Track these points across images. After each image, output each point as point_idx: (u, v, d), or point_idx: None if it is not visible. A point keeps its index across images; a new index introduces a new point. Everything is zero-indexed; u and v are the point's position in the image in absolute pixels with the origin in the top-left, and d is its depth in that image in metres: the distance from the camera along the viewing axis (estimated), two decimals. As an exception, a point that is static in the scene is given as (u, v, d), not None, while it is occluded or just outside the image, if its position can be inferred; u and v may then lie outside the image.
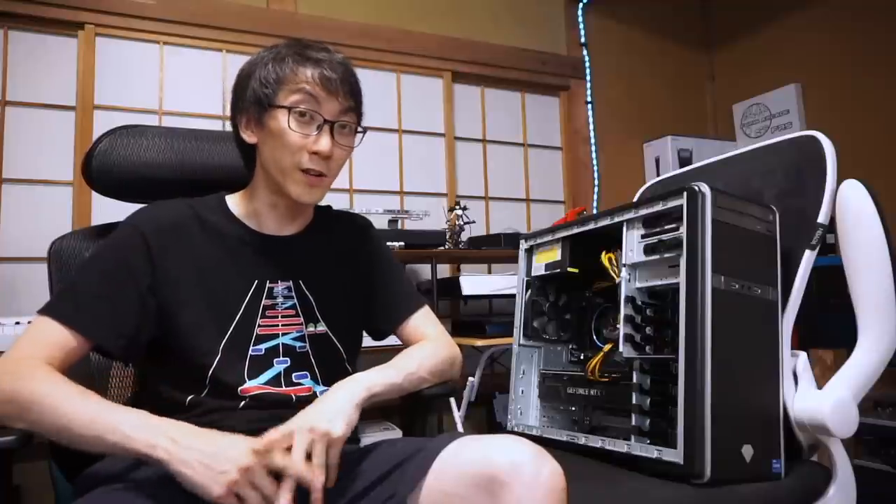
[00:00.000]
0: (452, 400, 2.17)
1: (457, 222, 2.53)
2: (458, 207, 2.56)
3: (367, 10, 2.77)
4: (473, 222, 2.64)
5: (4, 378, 0.80)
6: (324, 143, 0.94)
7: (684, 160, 3.14)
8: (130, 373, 1.13)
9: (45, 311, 0.88)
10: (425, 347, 1.06)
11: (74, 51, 2.30)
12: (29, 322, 1.75)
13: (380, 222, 2.01)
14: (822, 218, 1.05)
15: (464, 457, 0.82)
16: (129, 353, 0.93)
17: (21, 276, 2.13)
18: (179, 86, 2.45)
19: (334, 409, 0.84)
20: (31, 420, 0.78)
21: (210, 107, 2.48)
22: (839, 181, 1.06)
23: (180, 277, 0.94)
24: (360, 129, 1.01)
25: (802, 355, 1.04)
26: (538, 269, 1.26)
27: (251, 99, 0.96)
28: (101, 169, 1.11)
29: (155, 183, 1.14)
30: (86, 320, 0.88)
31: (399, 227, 2.48)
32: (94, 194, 2.14)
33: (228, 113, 2.51)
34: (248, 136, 0.99)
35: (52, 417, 0.77)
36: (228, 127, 2.56)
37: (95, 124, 2.28)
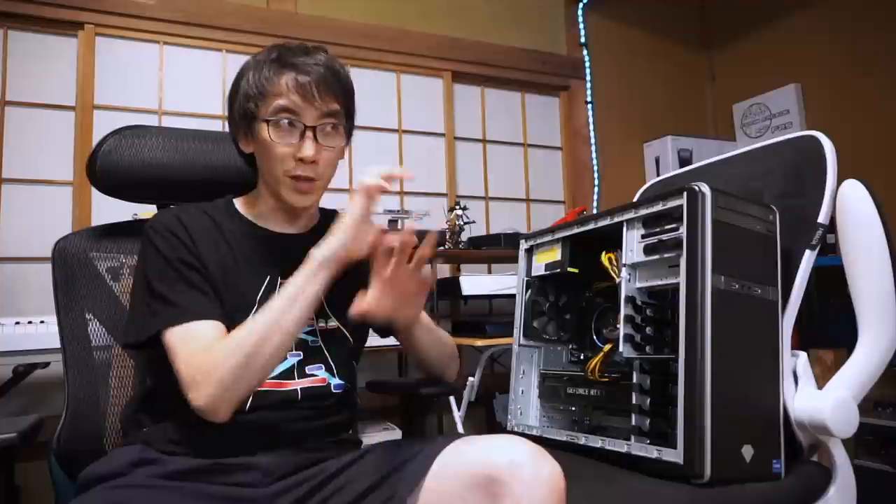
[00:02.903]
0: (452, 400, 2.17)
1: (457, 222, 2.53)
2: (458, 207, 2.56)
3: (367, 10, 2.78)
4: (473, 222, 2.64)
5: (218, 368, 0.84)
6: (307, 149, 0.95)
7: (684, 160, 3.14)
8: (131, 370, 1.13)
9: (161, 322, 0.90)
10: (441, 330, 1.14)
11: (74, 51, 2.30)
12: (30, 322, 1.78)
13: (380, 222, 2.01)
14: (822, 218, 1.05)
15: (463, 457, 0.82)
16: None
17: (21, 275, 2.13)
18: (179, 86, 2.45)
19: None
20: (259, 355, 0.86)
21: (210, 107, 2.48)
22: (839, 181, 1.06)
23: (210, 274, 0.95)
24: (345, 126, 1.02)
25: (802, 355, 1.04)
26: (538, 269, 1.26)
27: (239, 113, 1.00)
28: (104, 169, 1.11)
29: (158, 183, 1.14)
30: (205, 309, 0.91)
31: (399, 227, 2.48)
32: (95, 194, 2.16)
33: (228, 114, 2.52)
34: (245, 147, 1.03)
35: (267, 339, 0.86)
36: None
37: (95, 124, 2.28)
